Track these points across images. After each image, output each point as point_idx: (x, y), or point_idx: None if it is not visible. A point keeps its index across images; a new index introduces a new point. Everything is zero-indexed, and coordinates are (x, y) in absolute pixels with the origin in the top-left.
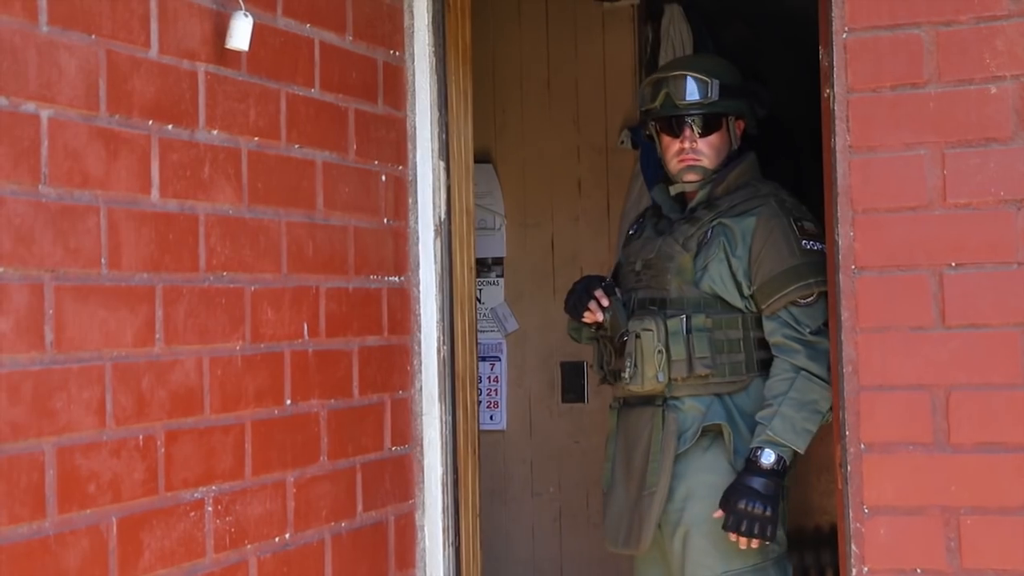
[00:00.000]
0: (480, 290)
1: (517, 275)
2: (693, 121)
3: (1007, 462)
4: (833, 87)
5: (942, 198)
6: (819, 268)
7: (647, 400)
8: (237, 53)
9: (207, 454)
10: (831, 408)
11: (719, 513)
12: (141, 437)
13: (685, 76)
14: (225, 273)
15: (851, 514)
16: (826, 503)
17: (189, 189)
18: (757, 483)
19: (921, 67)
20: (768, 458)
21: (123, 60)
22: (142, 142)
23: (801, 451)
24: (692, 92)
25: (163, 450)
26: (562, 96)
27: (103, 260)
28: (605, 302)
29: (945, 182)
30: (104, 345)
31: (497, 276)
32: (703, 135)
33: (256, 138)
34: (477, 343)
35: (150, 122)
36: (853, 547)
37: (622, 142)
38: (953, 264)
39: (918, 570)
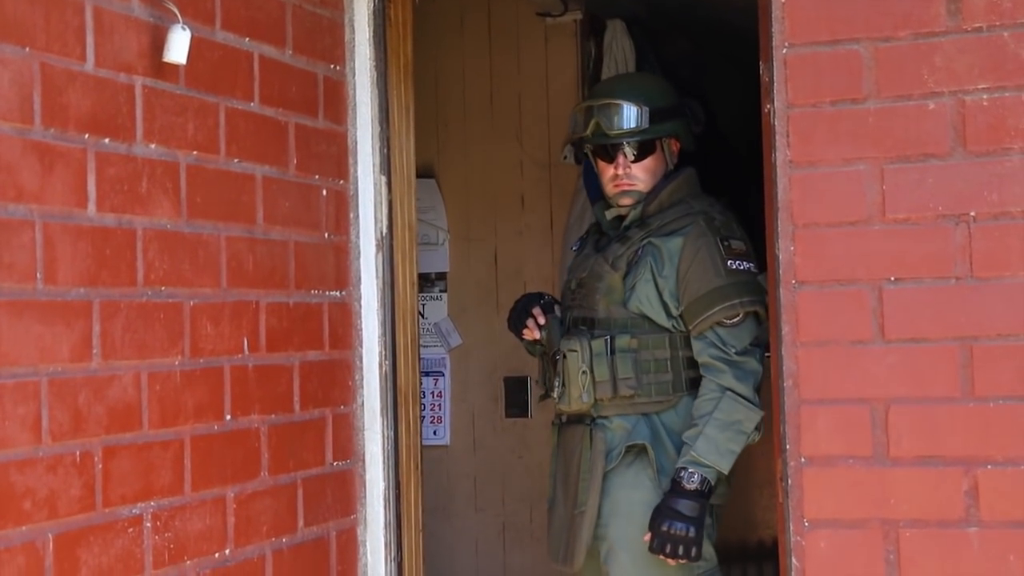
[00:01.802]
0: (423, 305)
1: (460, 290)
2: (626, 146)
3: (945, 475)
4: (773, 102)
5: (881, 213)
6: (745, 288)
7: (578, 419)
8: (175, 66)
9: (146, 470)
10: (757, 428)
11: (648, 536)
12: (78, 453)
13: (614, 104)
14: (163, 288)
15: (792, 527)
16: (769, 517)
17: (126, 203)
18: (682, 505)
19: (861, 83)
20: (692, 479)
21: (58, 73)
22: (78, 156)
23: (725, 472)
24: (623, 120)
25: (100, 466)
26: (505, 111)
27: (39, 275)
28: (542, 320)
29: (884, 197)
30: (40, 360)
31: (440, 291)
32: (637, 160)
33: (195, 152)
34: (420, 358)
35: (86, 136)
36: (794, 560)
37: (565, 157)
38: (892, 279)
39: None
